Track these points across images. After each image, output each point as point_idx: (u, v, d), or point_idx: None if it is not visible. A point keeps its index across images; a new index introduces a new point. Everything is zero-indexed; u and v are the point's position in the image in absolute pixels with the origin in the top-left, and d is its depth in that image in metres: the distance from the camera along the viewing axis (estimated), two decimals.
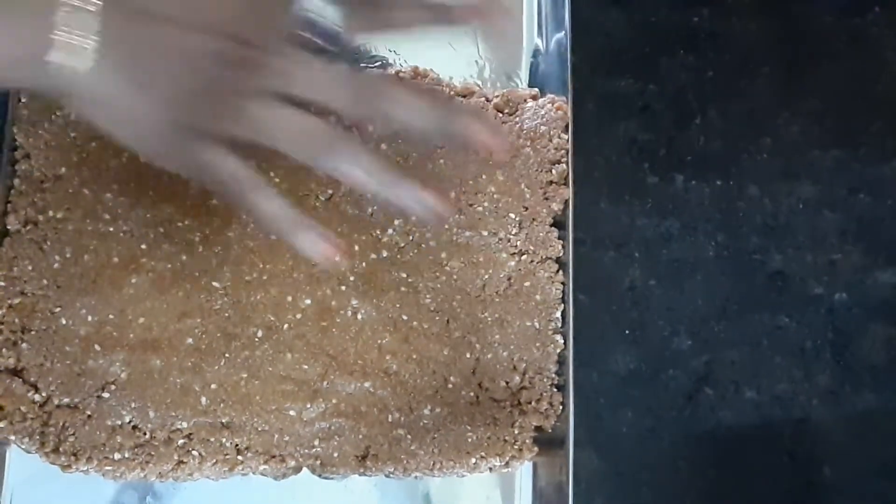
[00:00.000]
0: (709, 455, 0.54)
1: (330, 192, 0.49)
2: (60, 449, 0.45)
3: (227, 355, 0.46)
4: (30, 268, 0.46)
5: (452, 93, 0.51)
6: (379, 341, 0.47)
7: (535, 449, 0.48)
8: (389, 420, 0.47)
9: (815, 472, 0.54)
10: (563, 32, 0.52)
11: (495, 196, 0.50)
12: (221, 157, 0.38)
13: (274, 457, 0.46)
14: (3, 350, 0.46)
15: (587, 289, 0.50)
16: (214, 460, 0.46)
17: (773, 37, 0.58)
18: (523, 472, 0.50)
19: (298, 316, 0.47)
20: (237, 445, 0.46)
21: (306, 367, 0.47)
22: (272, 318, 0.47)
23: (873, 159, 0.58)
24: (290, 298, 0.47)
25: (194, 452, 0.46)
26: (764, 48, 0.58)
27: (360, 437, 0.47)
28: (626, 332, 0.54)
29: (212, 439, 0.46)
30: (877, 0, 0.59)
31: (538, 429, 0.48)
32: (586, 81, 0.54)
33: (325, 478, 0.47)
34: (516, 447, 0.48)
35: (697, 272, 0.55)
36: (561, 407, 0.48)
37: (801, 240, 0.56)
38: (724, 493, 0.53)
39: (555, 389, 0.48)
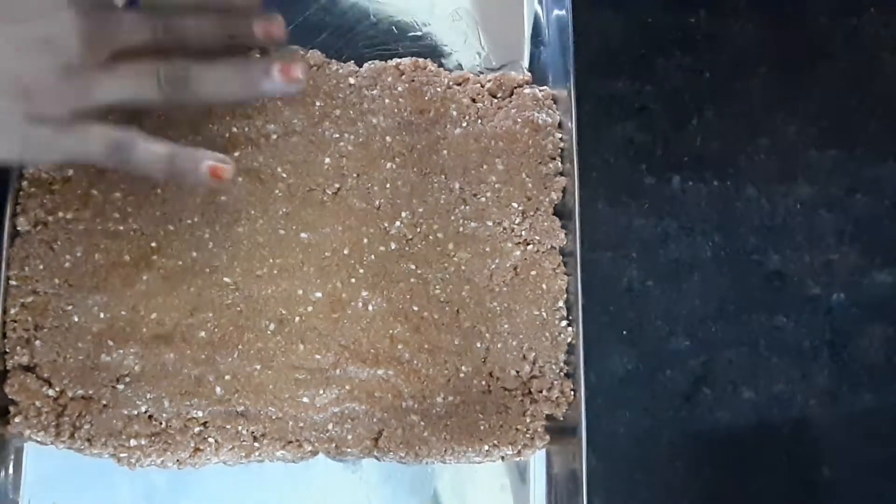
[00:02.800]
0: (706, 455, 0.54)
1: (337, 185, 0.50)
2: (76, 435, 0.47)
3: (239, 347, 0.48)
4: (41, 267, 0.48)
5: (448, 80, 0.52)
6: (390, 331, 0.49)
7: (547, 437, 0.50)
8: (403, 406, 0.49)
9: (813, 471, 0.55)
10: (565, 22, 0.52)
11: (497, 185, 0.51)
12: (84, 127, 0.41)
13: (290, 442, 0.48)
14: (17, 348, 0.47)
15: (585, 289, 0.50)
16: (231, 447, 0.48)
17: (769, 38, 0.59)
18: (537, 461, 0.52)
19: (310, 308, 0.49)
20: (253, 433, 0.48)
21: (318, 356, 0.48)
22: (283, 312, 0.48)
23: (870, 159, 0.58)
24: (300, 292, 0.49)
25: (210, 440, 0.47)
26: (760, 49, 0.59)
27: (374, 420, 0.48)
28: (624, 332, 0.55)
29: (228, 427, 0.48)
30: (872, 0, 0.60)
31: (550, 417, 0.50)
32: (583, 83, 0.55)
33: (340, 460, 0.49)
34: (528, 436, 0.49)
35: (695, 272, 0.56)
36: (572, 394, 0.49)
37: (799, 240, 0.57)
38: (722, 493, 0.54)
39: (565, 378, 0.49)
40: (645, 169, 0.57)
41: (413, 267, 0.50)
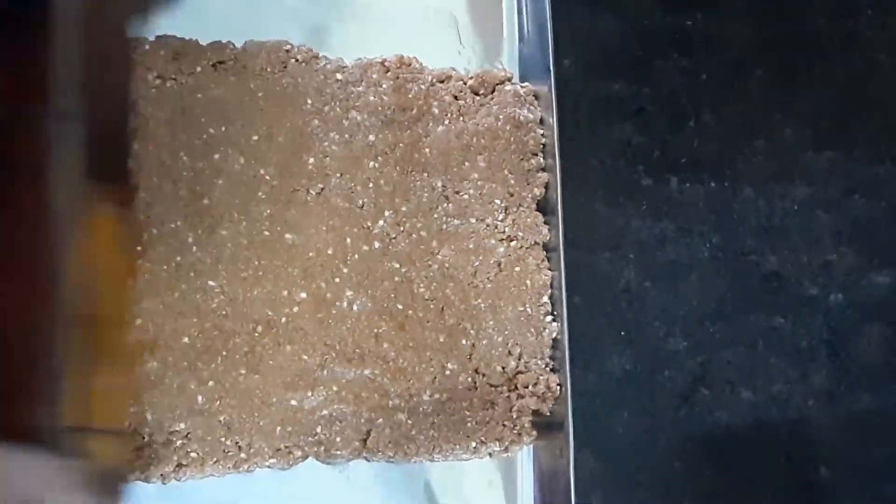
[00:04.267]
0: (705, 455, 0.54)
1: (321, 185, 0.50)
2: None
3: (224, 353, 0.47)
4: None
5: (431, 77, 0.52)
6: (375, 330, 0.49)
7: (534, 433, 0.49)
8: (389, 405, 0.48)
9: (811, 472, 0.55)
10: (544, 17, 0.52)
11: (479, 182, 0.51)
12: None
13: (279, 450, 0.47)
14: None
15: (582, 290, 0.50)
16: (215, 459, 0.47)
17: (767, 39, 0.59)
18: (524, 457, 0.51)
19: (295, 309, 0.48)
20: (237, 443, 0.47)
21: (306, 357, 0.48)
22: (270, 313, 0.48)
23: (867, 160, 0.59)
24: (285, 293, 0.48)
25: (193, 454, 0.47)
26: (757, 51, 0.59)
27: (362, 420, 0.48)
28: (622, 333, 0.55)
29: (209, 438, 0.47)
30: (869, 2, 0.60)
31: (536, 413, 0.50)
32: (580, 85, 0.55)
33: (329, 463, 0.49)
34: (515, 431, 0.49)
35: (692, 273, 0.56)
36: (558, 389, 0.49)
37: (796, 241, 0.57)
38: (721, 493, 0.54)
39: (550, 373, 0.50)
40: (642, 170, 0.57)
41: (397, 266, 0.49)
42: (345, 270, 0.49)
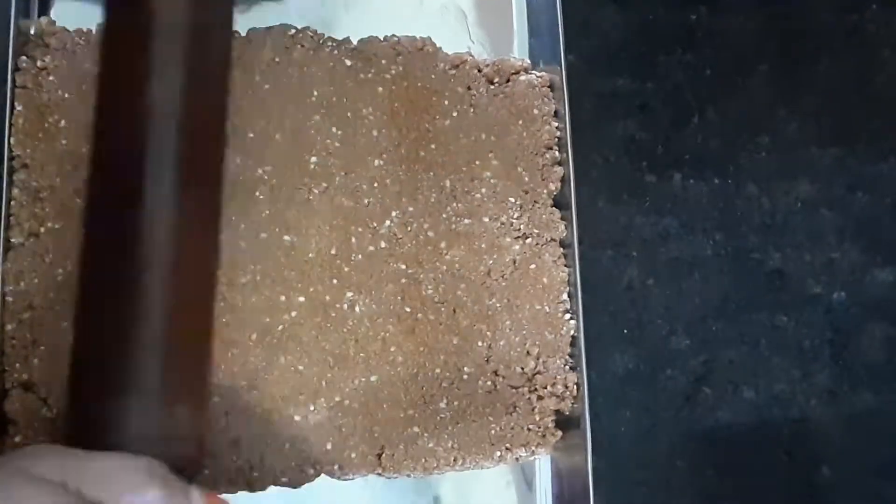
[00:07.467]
0: (707, 455, 0.54)
1: (325, 184, 0.47)
2: None
3: (223, 366, 0.45)
4: (36, 281, 0.45)
5: (444, 65, 0.50)
6: (381, 334, 0.46)
7: (559, 433, 0.48)
8: (402, 416, 0.46)
9: (813, 471, 0.54)
10: (554, 10, 0.51)
11: (492, 181, 0.49)
12: None
13: (290, 468, 0.45)
14: (16, 365, 0.44)
15: (585, 288, 0.50)
16: (227, 478, 0.44)
17: (771, 34, 0.58)
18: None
19: (293, 314, 0.46)
20: (249, 461, 0.44)
21: (301, 367, 0.45)
22: (267, 320, 0.45)
23: (871, 157, 0.58)
24: (283, 298, 0.46)
25: (206, 471, 0.43)
26: (761, 46, 0.58)
27: (375, 435, 0.46)
28: (625, 331, 0.54)
29: (219, 457, 0.44)
30: None
31: (557, 413, 0.48)
32: (583, 80, 0.54)
33: (345, 480, 0.46)
34: (540, 434, 0.47)
35: (696, 271, 0.55)
36: (576, 388, 0.48)
37: (800, 238, 0.56)
38: (723, 493, 0.54)
39: (570, 371, 0.48)
40: (646, 167, 0.56)
41: (403, 267, 0.47)
42: (346, 269, 0.46)
